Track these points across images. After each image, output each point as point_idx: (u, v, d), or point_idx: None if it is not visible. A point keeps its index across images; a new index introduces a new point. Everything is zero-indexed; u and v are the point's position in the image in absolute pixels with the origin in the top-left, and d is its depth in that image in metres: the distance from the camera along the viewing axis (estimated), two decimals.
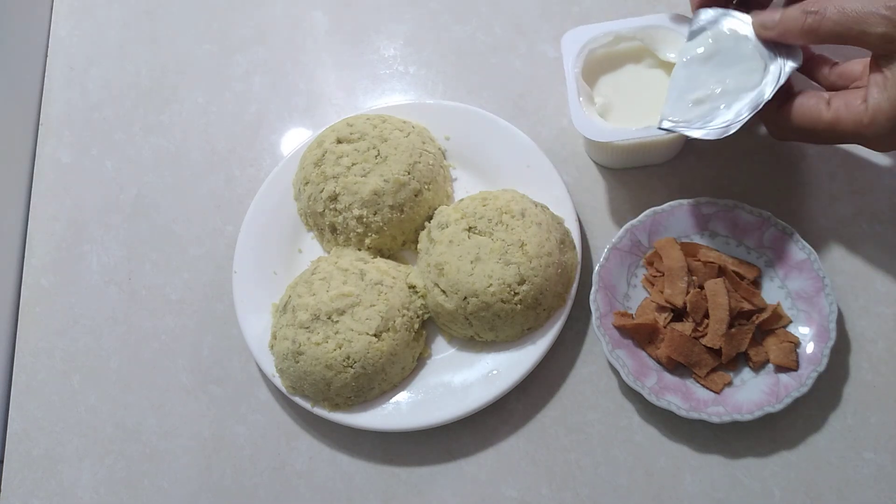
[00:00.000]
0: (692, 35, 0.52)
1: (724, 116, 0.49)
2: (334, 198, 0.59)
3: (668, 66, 0.56)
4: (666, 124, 0.51)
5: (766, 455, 0.53)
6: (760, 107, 0.49)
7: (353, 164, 0.59)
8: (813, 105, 0.47)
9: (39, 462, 0.63)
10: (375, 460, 0.57)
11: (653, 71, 0.57)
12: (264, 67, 0.73)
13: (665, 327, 0.54)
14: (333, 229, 0.61)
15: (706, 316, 0.53)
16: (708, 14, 0.52)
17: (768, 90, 0.49)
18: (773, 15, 0.47)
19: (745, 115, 0.49)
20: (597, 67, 0.58)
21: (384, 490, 0.57)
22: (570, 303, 0.56)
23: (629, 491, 0.53)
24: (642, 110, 0.56)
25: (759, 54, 0.50)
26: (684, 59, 0.52)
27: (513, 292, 0.53)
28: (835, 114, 0.46)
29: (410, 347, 0.56)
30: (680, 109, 0.51)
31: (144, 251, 0.68)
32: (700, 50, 0.52)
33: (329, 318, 0.55)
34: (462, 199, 0.59)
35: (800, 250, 0.54)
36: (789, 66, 0.49)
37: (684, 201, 0.56)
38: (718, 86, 0.50)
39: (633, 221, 0.56)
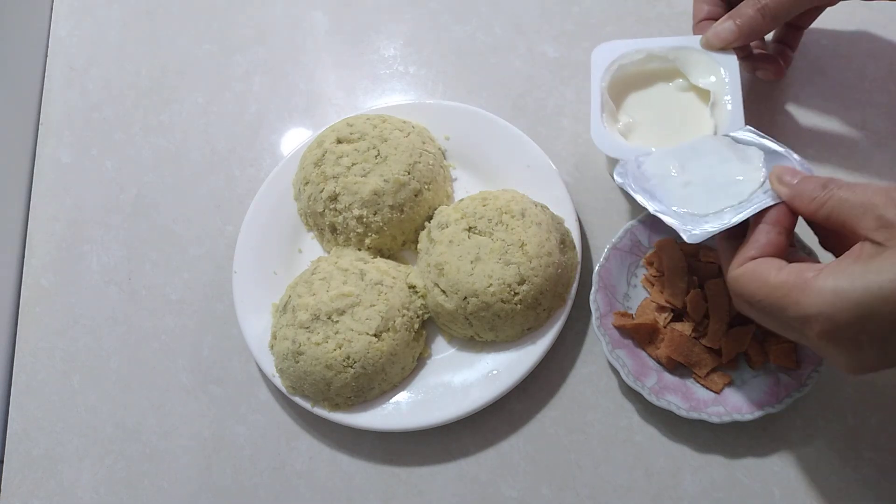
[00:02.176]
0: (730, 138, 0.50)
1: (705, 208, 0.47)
2: (334, 198, 0.59)
3: (698, 90, 0.55)
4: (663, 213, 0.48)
5: (766, 455, 0.53)
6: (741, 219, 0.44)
7: (353, 164, 0.59)
8: (766, 267, 0.41)
9: (39, 462, 0.63)
10: (375, 460, 0.57)
11: (683, 94, 0.56)
12: (264, 67, 0.73)
13: (665, 327, 0.54)
14: (333, 229, 0.61)
15: (706, 316, 0.53)
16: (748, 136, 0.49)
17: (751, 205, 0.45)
18: (793, 175, 0.44)
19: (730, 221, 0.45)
20: (625, 85, 0.57)
21: (384, 490, 0.57)
22: (570, 303, 0.56)
23: (629, 491, 0.53)
24: (667, 132, 0.55)
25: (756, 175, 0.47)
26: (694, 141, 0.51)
27: (513, 292, 0.53)
28: (783, 279, 0.39)
29: (410, 347, 0.56)
30: (671, 194, 0.49)
31: (144, 251, 0.68)
32: (710, 140, 0.50)
33: (329, 318, 0.55)
34: (462, 199, 0.59)
35: (800, 250, 0.54)
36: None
37: None
38: (706, 176, 0.48)
39: (633, 221, 0.56)
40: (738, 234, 0.45)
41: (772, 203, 0.44)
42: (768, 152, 0.47)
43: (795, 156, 0.47)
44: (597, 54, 0.56)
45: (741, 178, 0.47)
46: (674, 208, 0.48)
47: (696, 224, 0.46)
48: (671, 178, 0.49)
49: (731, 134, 0.50)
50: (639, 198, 0.49)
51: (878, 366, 0.38)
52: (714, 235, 0.45)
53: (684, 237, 0.45)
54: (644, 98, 0.57)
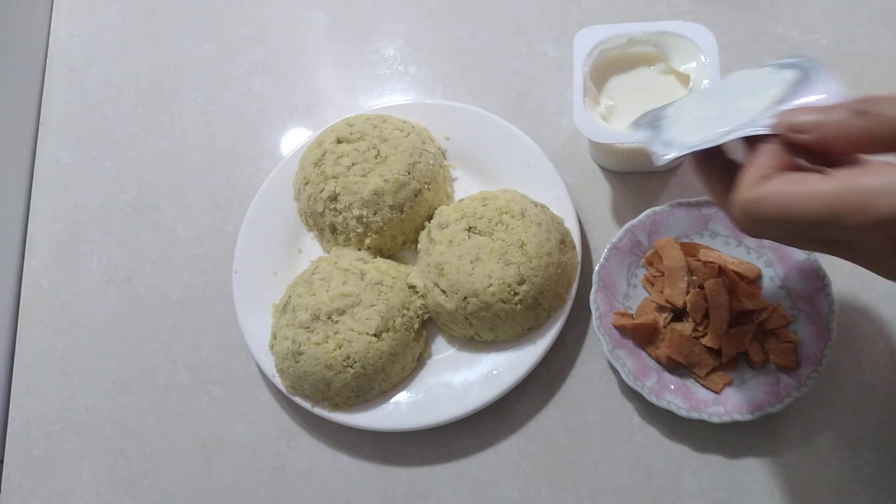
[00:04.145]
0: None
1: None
2: (334, 198, 0.59)
3: (679, 74, 0.56)
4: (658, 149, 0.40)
5: (766, 455, 0.53)
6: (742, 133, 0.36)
7: (353, 164, 0.59)
8: (806, 178, 0.33)
9: (39, 462, 0.63)
10: (375, 460, 0.58)
11: (663, 77, 0.57)
12: (264, 67, 0.73)
13: (665, 327, 0.54)
14: (333, 229, 0.61)
15: (706, 316, 0.53)
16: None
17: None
18: (806, 115, 0.34)
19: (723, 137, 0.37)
20: (607, 68, 0.57)
21: (384, 490, 0.57)
22: (570, 303, 0.56)
23: (629, 491, 0.53)
24: None
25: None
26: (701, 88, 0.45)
27: (513, 292, 0.53)
28: (839, 185, 0.32)
29: (410, 347, 0.56)
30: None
31: (144, 251, 0.68)
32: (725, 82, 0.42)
33: (329, 318, 0.55)
34: (462, 199, 0.59)
35: (800, 250, 0.54)
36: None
37: (684, 201, 0.56)
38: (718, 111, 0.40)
39: (633, 221, 0.56)
40: (722, 165, 0.37)
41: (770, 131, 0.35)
42: (806, 76, 0.38)
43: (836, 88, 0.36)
44: (579, 39, 0.56)
45: (751, 104, 0.38)
46: (665, 137, 0.40)
47: (679, 148, 0.39)
48: (685, 115, 0.42)
49: (789, 60, 0.40)
50: (637, 134, 0.42)
51: None
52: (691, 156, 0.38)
53: (655, 161, 0.39)
54: (625, 82, 0.57)
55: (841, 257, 0.36)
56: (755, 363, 0.52)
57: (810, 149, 0.35)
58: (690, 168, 0.40)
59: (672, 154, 0.39)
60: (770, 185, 0.34)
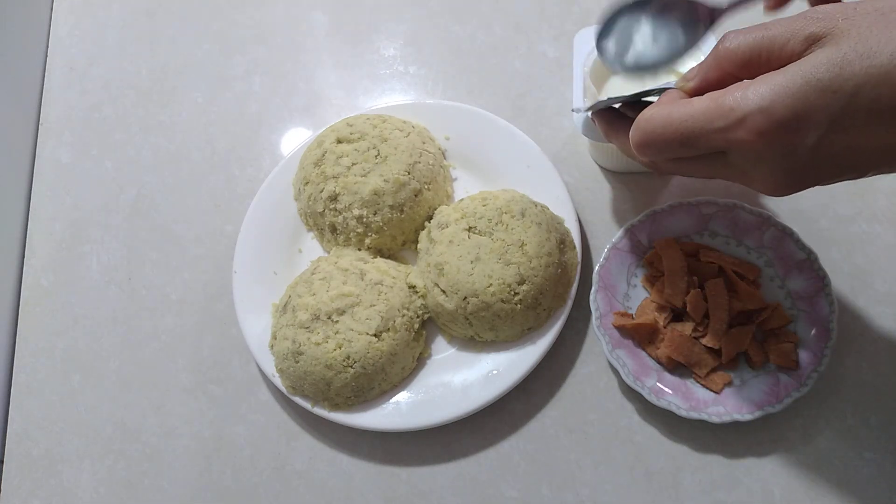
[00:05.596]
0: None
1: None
2: (334, 198, 0.59)
3: (679, 75, 0.54)
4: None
5: (766, 455, 0.53)
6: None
7: (353, 164, 0.59)
8: (685, 99, 0.39)
9: (39, 462, 0.63)
10: (375, 460, 0.58)
11: (665, 78, 0.56)
12: (264, 67, 0.73)
13: (665, 327, 0.54)
14: (333, 229, 0.61)
15: (706, 316, 0.53)
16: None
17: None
18: (690, 71, 0.42)
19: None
20: (607, 68, 0.57)
21: (384, 490, 0.57)
22: (570, 303, 0.56)
23: (629, 491, 0.53)
24: None
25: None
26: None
27: (513, 292, 0.53)
28: (712, 97, 0.37)
29: (410, 347, 0.56)
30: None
31: (144, 251, 0.68)
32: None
33: (329, 318, 0.55)
34: (462, 199, 0.59)
35: (800, 250, 0.54)
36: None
37: (684, 201, 0.56)
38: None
39: (633, 221, 0.56)
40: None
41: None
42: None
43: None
44: (579, 39, 0.56)
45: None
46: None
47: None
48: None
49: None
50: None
51: (804, 178, 0.37)
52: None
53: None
54: (625, 82, 0.56)
55: (724, 177, 0.39)
56: (755, 363, 0.52)
57: (697, 92, 0.40)
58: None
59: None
60: (660, 106, 0.40)
